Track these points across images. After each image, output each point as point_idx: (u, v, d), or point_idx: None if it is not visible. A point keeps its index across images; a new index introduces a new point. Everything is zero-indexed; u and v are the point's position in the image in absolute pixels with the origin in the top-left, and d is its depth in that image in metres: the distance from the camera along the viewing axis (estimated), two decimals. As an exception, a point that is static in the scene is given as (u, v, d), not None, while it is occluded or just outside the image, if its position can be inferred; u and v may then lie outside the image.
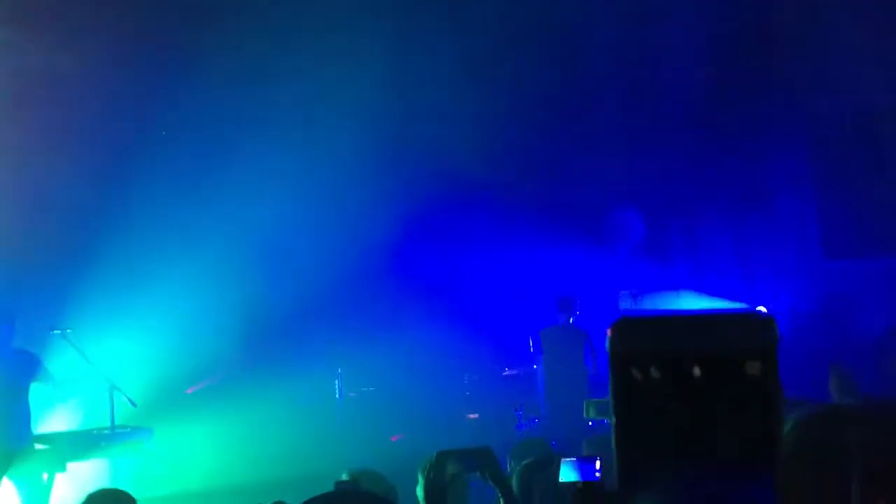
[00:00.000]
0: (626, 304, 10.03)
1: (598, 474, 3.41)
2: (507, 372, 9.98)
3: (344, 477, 4.09)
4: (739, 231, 10.90)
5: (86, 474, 7.30)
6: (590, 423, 7.46)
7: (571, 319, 9.06)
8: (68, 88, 8.73)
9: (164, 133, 9.23)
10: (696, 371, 0.87)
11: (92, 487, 7.08)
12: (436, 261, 10.47)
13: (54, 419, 7.77)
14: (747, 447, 0.87)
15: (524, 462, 4.07)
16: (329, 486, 4.27)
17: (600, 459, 3.40)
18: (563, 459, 3.48)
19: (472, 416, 9.93)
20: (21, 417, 7.02)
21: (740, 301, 10.45)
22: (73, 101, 8.78)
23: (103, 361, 7.32)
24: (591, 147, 10.41)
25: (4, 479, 6.83)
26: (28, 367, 7.10)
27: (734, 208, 10.88)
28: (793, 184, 10.52)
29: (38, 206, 8.80)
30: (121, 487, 6.06)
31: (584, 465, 3.41)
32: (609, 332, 0.90)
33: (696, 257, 11.18)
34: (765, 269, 10.75)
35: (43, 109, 8.69)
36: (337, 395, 8.20)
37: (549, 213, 10.57)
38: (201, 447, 8.45)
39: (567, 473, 3.44)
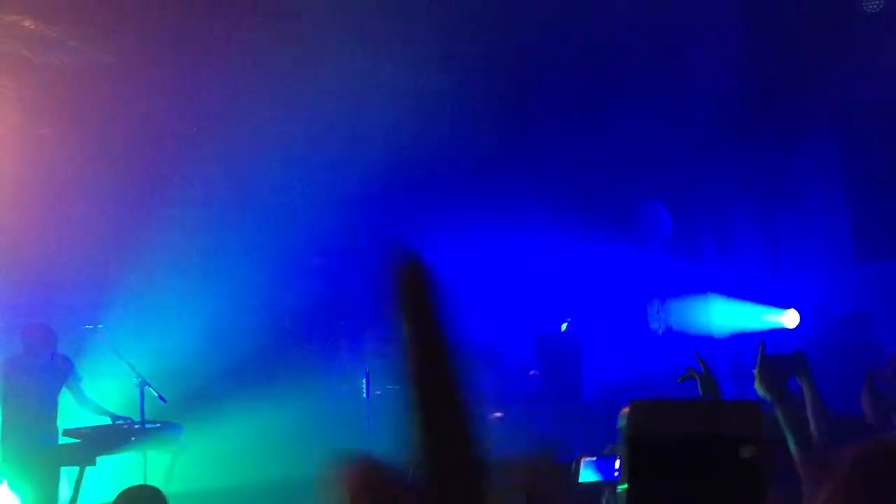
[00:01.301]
0: (654, 310, 9.95)
1: (617, 473, 3.44)
2: (532, 373, 10.01)
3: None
4: (771, 229, 10.79)
5: (115, 469, 7.42)
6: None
7: (564, 327, 9.03)
8: (107, 83, 8.83)
9: (194, 129, 9.31)
10: (698, 452, 1.04)
11: (121, 482, 7.23)
12: (460, 256, 10.46)
13: (84, 414, 7.89)
14: None
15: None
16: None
17: (620, 459, 3.43)
18: (583, 459, 3.50)
19: (497, 414, 9.96)
20: (50, 419, 7.18)
21: (769, 303, 10.36)
22: (112, 95, 8.88)
23: (135, 357, 7.42)
24: (621, 141, 10.33)
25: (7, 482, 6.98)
26: (62, 370, 7.25)
27: (766, 206, 10.77)
28: (826, 182, 10.39)
29: (75, 200, 8.94)
30: (150, 483, 6.18)
31: (603, 464, 3.44)
32: (623, 414, 1.09)
33: (725, 255, 11.08)
34: (795, 268, 10.64)
35: (82, 102, 8.80)
36: (364, 394, 8.27)
37: (578, 206, 10.52)
38: (230, 444, 8.55)
39: (587, 474, 3.47)
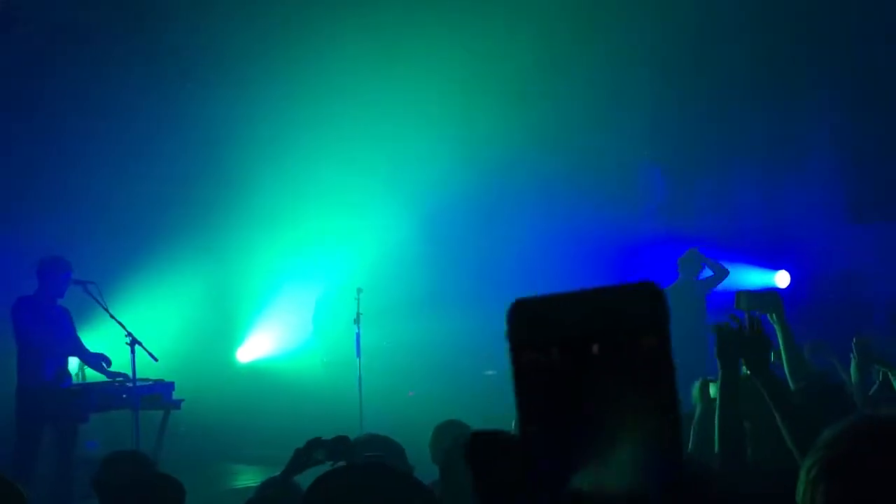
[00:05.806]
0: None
1: None
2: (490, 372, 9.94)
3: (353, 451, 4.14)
4: (766, 191, 10.72)
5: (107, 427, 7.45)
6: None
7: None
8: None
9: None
10: (595, 348, 0.88)
11: (113, 440, 7.25)
12: (453, 216, 10.40)
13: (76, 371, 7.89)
14: (644, 416, 0.87)
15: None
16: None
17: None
18: None
19: (489, 372, 9.98)
20: (62, 363, 7.21)
21: (762, 265, 10.33)
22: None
23: (125, 315, 7.38)
24: (614, 100, 10.22)
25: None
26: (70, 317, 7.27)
27: (763, 168, 10.69)
28: (822, 144, 10.32)
29: (75, 160, 8.89)
30: (142, 440, 6.19)
31: None
32: (507, 316, 0.91)
33: (720, 217, 11.00)
34: (790, 230, 10.59)
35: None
36: (355, 352, 8.27)
37: (570, 170, 10.43)
38: (224, 403, 8.58)
39: None
